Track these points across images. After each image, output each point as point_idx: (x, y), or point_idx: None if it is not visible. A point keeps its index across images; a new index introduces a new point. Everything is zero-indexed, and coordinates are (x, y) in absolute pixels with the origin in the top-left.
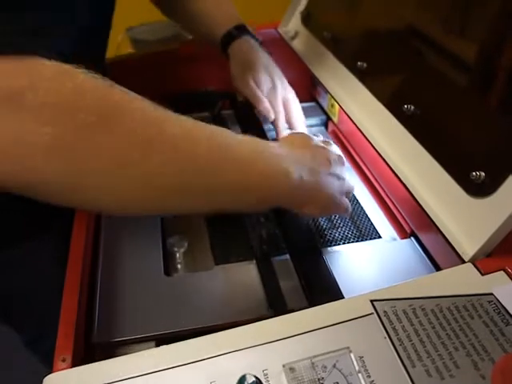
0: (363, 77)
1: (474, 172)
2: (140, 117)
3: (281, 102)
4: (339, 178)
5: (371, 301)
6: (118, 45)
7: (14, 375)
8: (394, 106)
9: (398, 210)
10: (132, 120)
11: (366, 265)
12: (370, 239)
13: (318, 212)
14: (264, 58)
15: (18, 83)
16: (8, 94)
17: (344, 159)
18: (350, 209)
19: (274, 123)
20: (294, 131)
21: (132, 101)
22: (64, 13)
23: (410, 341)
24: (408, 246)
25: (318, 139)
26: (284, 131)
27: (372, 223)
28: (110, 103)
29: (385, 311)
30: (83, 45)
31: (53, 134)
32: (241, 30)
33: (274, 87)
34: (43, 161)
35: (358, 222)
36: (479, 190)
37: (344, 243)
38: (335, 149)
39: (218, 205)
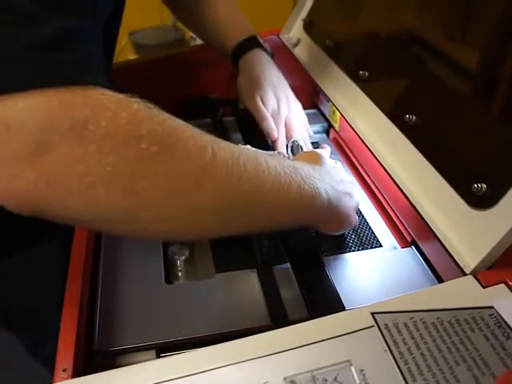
0: (365, 86)
1: (475, 184)
2: (193, 144)
3: (283, 123)
4: (351, 196)
5: (372, 313)
6: (121, 49)
7: (14, 379)
8: (395, 115)
9: (399, 219)
10: (186, 149)
11: (367, 274)
12: (371, 248)
13: (337, 229)
14: (271, 75)
15: (80, 115)
16: (71, 125)
17: (353, 178)
18: (357, 222)
19: (273, 142)
20: (307, 150)
21: (183, 129)
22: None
23: (411, 354)
24: (409, 254)
25: (330, 159)
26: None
27: (373, 232)
28: (165, 133)
29: (386, 324)
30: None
31: (114, 165)
32: (252, 42)
33: (278, 107)
34: (105, 192)
35: (359, 231)
36: (481, 201)
37: (345, 252)
38: (342, 168)
39: (257, 227)
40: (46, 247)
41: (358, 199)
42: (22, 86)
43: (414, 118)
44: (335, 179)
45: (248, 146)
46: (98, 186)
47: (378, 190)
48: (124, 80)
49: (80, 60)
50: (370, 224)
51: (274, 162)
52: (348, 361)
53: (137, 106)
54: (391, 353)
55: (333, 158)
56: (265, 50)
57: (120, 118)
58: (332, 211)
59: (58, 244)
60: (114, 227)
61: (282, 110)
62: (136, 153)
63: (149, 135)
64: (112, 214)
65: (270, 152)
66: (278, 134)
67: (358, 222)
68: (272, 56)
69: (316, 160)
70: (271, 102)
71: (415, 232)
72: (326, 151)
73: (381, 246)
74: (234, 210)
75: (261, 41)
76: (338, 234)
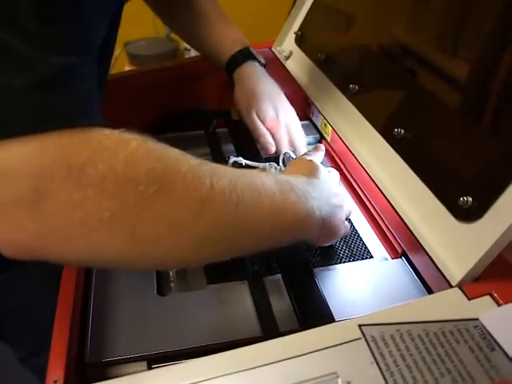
0: (355, 99)
1: (462, 197)
2: (191, 178)
3: (284, 129)
4: (343, 207)
5: (359, 325)
6: (116, 59)
7: None
8: (384, 129)
9: (390, 230)
10: (185, 184)
11: (358, 285)
12: (362, 259)
13: (329, 241)
14: (265, 86)
15: (78, 159)
16: (68, 170)
17: (343, 186)
18: (348, 230)
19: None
20: (301, 157)
21: (181, 162)
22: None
23: (397, 366)
24: (399, 265)
25: (323, 168)
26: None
27: (364, 243)
28: (164, 170)
29: (372, 336)
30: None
31: (113, 209)
32: (244, 54)
33: (276, 116)
34: (106, 235)
35: (350, 242)
36: (467, 215)
37: (336, 263)
38: (335, 176)
39: (255, 249)
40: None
41: (349, 207)
42: (17, 132)
43: (403, 131)
44: (329, 193)
45: (240, 158)
46: (99, 230)
47: (369, 201)
48: (118, 91)
49: (76, 101)
50: (361, 235)
51: (271, 184)
52: (335, 373)
53: (135, 145)
54: (377, 365)
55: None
56: (257, 61)
57: (118, 161)
58: (325, 226)
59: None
60: (117, 266)
61: (281, 119)
62: (135, 195)
63: (147, 175)
64: (114, 255)
65: (262, 164)
66: (280, 143)
67: (348, 230)
68: (264, 65)
69: (311, 171)
70: (269, 113)
71: (405, 243)
72: (319, 155)
73: (372, 257)
74: (233, 237)
75: (253, 51)
76: (329, 244)
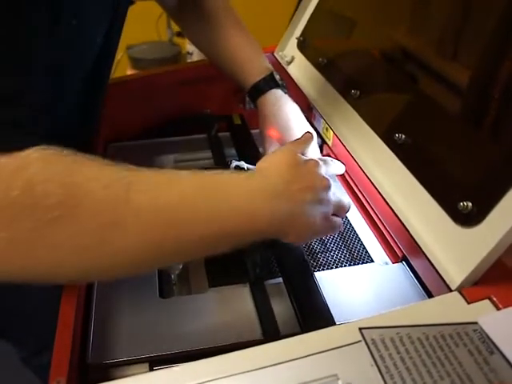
0: (356, 104)
1: (461, 202)
2: (102, 198)
3: None
4: (322, 202)
5: (360, 329)
6: (118, 62)
7: None
8: (385, 134)
9: (390, 234)
10: (93, 205)
11: (358, 289)
12: (363, 263)
13: (303, 239)
14: (283, 117)
15: None
16: None
17: (329, 181)
18: (341, 227)
19: None
20: (281, 147)
21: (93, 181)
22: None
23: (397, 369)
24: (400, 270)
25: (306, 159)
26: None
27: (365, 247)
28: (67, 193)
29: (373, 339)
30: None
31: (8, 238)
32: (267, 81)
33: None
34: (4, 263)
35: (350, 246)
36: (466, 219)
37: (337, 267)
38: (324, 169)
39: (192, 257)
40: None
41: (343, 202)
42: None
43: (403, 136)
44: (296, 186)
45: (242, 162)
46: None
47: (371, 206)
48: (120, 95)
49: None
50: (362, 239)
51: (207, 193)
52: (335, 375)
53: (35, 169)
54: (378, 367)
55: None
56: (280, 87)
57: (13, 189)
58: (286, 223)
59: None
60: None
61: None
62: (31, 222)
63: (46, 201)
64: (17, 276)
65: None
66: None
67: (339, 227)
68: (286, 92)
69: (282, 162)
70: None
71: (405, 247)
72: (305, 143)
73: (372, 261)
74: (155, 252)
75: (276, 77)
76: (307, 241)
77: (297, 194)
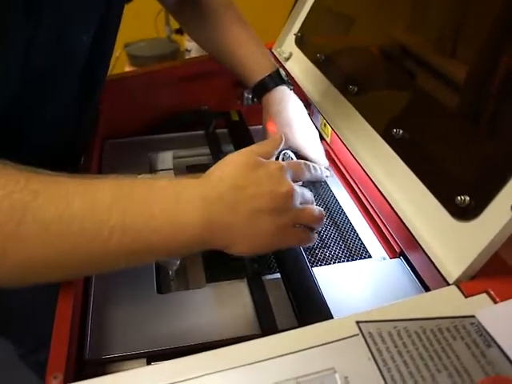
0: (354, 100)
1: (459, 196)
2: (4, 207)
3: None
4: (279, 210)
5: (357, 322)
6: (116, 60)
7: None
8: (383, 129)
9: (388, 229)
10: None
11: (356, 284)
12: (361, 259)
13: (253, 251)
14: (286, 116)
15: None
16: None
17: (292, 187)
18: (309, 240)
19: None
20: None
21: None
22: None
23: (394, 362)
24: (397, 265)
25: (268, 162)
26: None
27: (362, 243)
28: None
29: (370, 332)
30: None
31: None
32: (273, 79)
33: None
34: None
35: (348, 242)
36: (464, 213)
37: (335, 262)
38: (289, 174)
39: (109, 269)
40: None
41: (301, 209)
42: None
43: (401, 131)
44: (250, 193)
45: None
46: None
47: (368, 201)
48: (118, 92)
49: None
50: (360, 235)
51: (124, 205)
52: (332, 368)
53: None
54: (375, 360)
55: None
56: (286, 83)
57: None
58: (232, 234)
59: None
60: None
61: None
62: None
63: None
64: None
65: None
66: None
67: (306, 240)
68: (291, 89)
69: (239, 166)
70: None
71: (403, 242)
72: (268, 146)
73: (370, 256)
74: (67, 268)
75: (282, 73)
76: (262, 253)
77: (246, 201)
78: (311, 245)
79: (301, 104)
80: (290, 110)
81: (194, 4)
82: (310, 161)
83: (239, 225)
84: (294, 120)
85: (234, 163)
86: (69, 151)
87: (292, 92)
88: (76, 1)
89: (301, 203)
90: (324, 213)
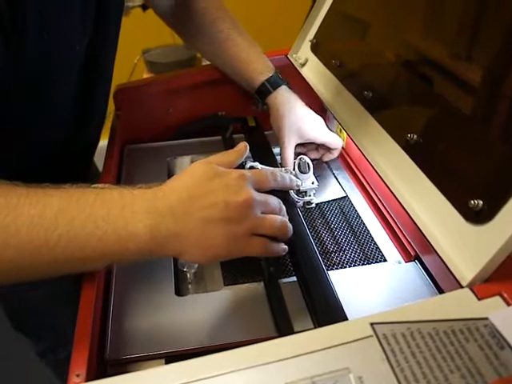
0: (369, 105)
1: (472, 200)
2: None
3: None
4: (234, 220)
5: (371, 324)
6: (134, 66)
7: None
8: (397, 134)
9: (403, 233)
10: None
11: (372, 288)
12: (376, 262)
13: (201, 259)
14: (297, 112)
15: None
16: None
17: (250, 196)
18: (271, 250)
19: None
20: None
21: None
22: None
23: (407, 363)
24: (412, 269)
25: (227, 171)
26: None
27: (378, 246)
28: None
29: (384, 334)
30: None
31: None
32: (275, 79)
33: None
34: None
35: (364, 245)
36: (477, 217)
37: (350, 266)
38: (249, 183)
39: (71, 272)
40: None
41: (262, 218)
42: None
43: (415, 136)
44: (202, 204)
45: (256, 163)
46: None
47: (384, 205)
48: (136, 98)
49: None
50: (375, 239)
51: (71, 215)
52: (347, 368)
53: None
54: (388, 361)
55: (338, 175)
56: (285, 84)
57: None
58: (179, 244)
59: None
60: None
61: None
62: None
63: None
64: None
65: (278, 169)
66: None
67: (260, 250)
68: (290, 88)
69: (194, 177)
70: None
71: (418, 246)
72: (228, 156)
73: (385, 260)
74: (13, 273)
75: (279, 76)
76: (215, 261)
77: (196, 211)
78: (278, 255)
79: (304, 104)
80: (298, 106)
81: (188, 10)
82: (328, 147)
83: (188, 234)
84: (304, 114)
85: (191, 173)
86: (75, 152)
87: (292, 91)
88: (63, 14)
89: (263, 212)
90: (288, 224)
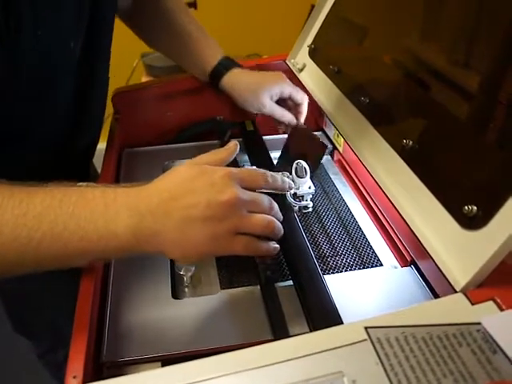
0: (366, 111)
1: (466, 206)
2: None
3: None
4: (217, 219)
5: (365, 328)
6: (133, 70)
7: None
8: (394, 140)
9: (399, 238)
10: None
11: (367, 293)
12: (372, 267)
13: (182, 257)
14: (259, 76)
15: None
16: None
17: (237, 195)
18: (256, 249)
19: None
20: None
21: None
22: None
23: (401, 367)
24: (408, 274)
25: (215, 169)
26: None
27: (374, 251)
28: None
29: (378, 338)
30: None
31: None
32: (227, 62)
33: (290, 95)
34: None
35: (360, 250)
36: (471, 222)
37: (346, 270)
38: (235, 181)
39: (56, 268)
40: None
41: (248, 217)
42: None
43: (411, 142)
44: (184, 203)
45: (254, 167)
46: None
47: (380, 210)
48: (135, 102)
49: None
50: (371, 243)
51: (54, 213)
52: (341, 372)
53: None
54: (382, 365)
55: (335, 180)
56: (237, 65)
57: None
58: (160, 242)
59: None
60: None
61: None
62: None
63: None
64: None
65: (276, 173)
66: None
67: (243, 249)
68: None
69: (179, 176)
70: (285, 92)
71: (414, 251)
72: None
73: (381, 265)
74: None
75: (233, 59)
76: (198, 260)
77: (177, 211)
78: (267, 254)
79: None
80: (254, 73)
81: (149, 8)
82: (295, 101)
83: (168, 233)
84: (262, 75)
85: (175, 173)
86: (73, 152)
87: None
88: (56, 10)
89: (252, 211)
90: (276, 223)
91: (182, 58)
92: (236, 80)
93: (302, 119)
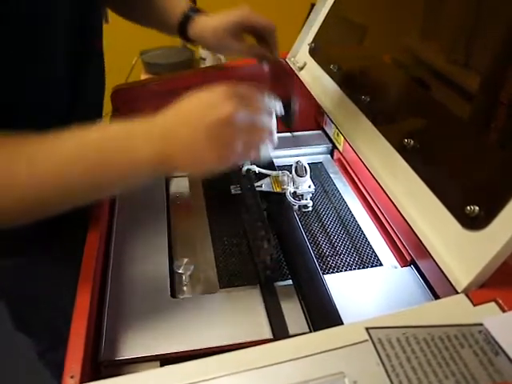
0: (366, 110)
1: (468, 206)
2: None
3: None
4: (217, 138)
5: (366, 328)
6: (132, 67)
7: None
8: (395, 139)
9: (399, 238)
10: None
11: (367, 292)
12: (372, 267)
13: (197, 169)
14: (219, 18)
15: None
16: None
17: (235, 116)
18: (249, 157)
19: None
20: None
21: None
22: None
23: (402, 368)
24: (408, 274)
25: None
26: None
27: (374, 251)
28: None
29: (379, 338)
30: None
31: None
32: (194, 10)
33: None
34: None
35: (360, 250)
36: (473, 223)
37: (346, 270)
38: (231, 104)
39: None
40: (55, 248)
41: (237, 131)
42: None
43: (412, 141)
44: (193, 122)
45: (253, 166)
46: None
47: (380, 209)
48: (134, 99)
49: None
50: (371, 243)
51: (86, 150)
52: (342, 373)
53: None
54: (384, 366)
55: (335, 179)
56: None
57: None
58: (168, 156)
59: (69, 244)
60: None
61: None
62: None
63: None
64: None
65: (275, 172)
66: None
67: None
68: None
69: (190, 102)
70: (245, 22)
71: (414, 251)
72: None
73: (381, 264)
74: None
75: (200, 9)
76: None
77: (183, 137)
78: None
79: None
80: (222, 15)
81: None
82: (261, 34)
83: (179, 154)
84: (227, 13)
85: (188, 101)
86: (71, 117)
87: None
88: None
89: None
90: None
91: (149, 17)
92: (203, 28)
93: (276, 52)
